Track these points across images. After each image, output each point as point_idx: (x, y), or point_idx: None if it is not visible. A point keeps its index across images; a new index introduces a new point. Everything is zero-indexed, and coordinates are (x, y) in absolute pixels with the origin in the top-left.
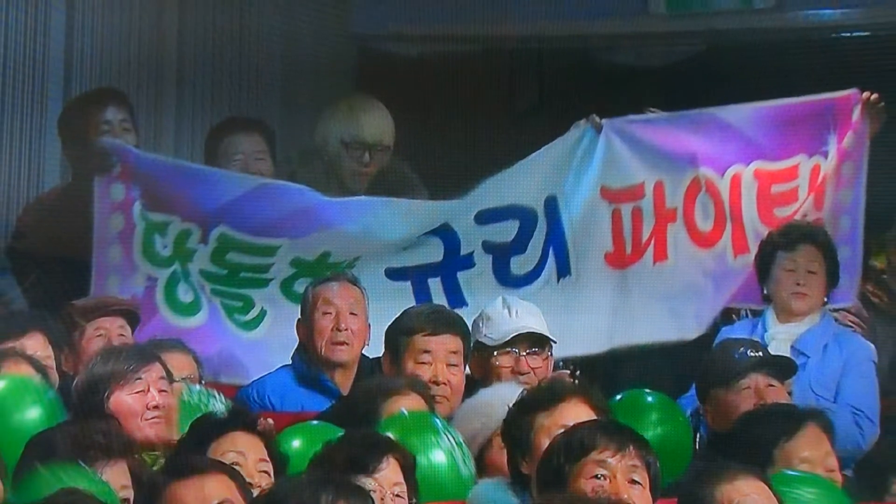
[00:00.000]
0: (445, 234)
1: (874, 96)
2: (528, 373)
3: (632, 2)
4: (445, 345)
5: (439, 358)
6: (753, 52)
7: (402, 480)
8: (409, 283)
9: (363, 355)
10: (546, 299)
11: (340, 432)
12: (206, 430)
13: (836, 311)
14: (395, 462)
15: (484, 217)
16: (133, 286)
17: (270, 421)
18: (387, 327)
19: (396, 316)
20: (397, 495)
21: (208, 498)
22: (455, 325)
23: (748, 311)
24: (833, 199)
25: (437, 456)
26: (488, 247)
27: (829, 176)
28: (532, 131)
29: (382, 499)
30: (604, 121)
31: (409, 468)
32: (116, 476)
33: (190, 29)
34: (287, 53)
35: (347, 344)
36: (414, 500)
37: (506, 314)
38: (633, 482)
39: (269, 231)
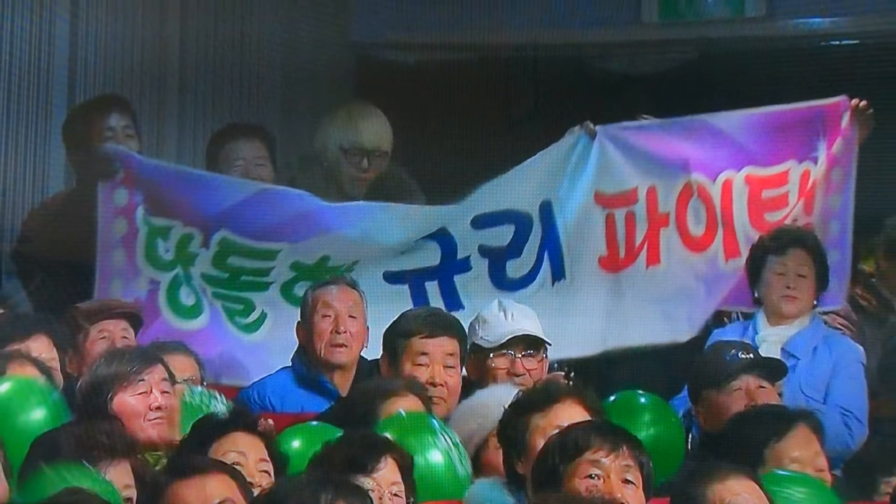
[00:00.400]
0: (442, 238)
1: (863, 103)
2: (524, 374)
3: (625, 11)
4: (442, 347)
5: (436, 360)
6: (744, 59)
7: (400, 480)
8: (406, 287)
9: (362, 357)
10: (541, 302)
11: (339, 433)
12: (207, 430)
13: (825, 313)
14: (393, 462)
15: (480, 222)
16: (136, 289)
17: (271, 422)
18: (385, 330)
19: (394, 319)
20: (395, 495)
21: (210, 497)
22: (452, 328)
23: (739, 314)
24: (823, 204)
25: (435, 456)
26: (484, 251)
27: (819, 181)
28: (527, 137)
29: (381, 498)
30: (598, 127)
31: (406, 468)
32: (120, 476)
33: (192, 37)
34: (287, 61)
35: (346, 346)
36: (411, 500)
37: (501, 317)
38: (627, 482)
39: (269, 235)
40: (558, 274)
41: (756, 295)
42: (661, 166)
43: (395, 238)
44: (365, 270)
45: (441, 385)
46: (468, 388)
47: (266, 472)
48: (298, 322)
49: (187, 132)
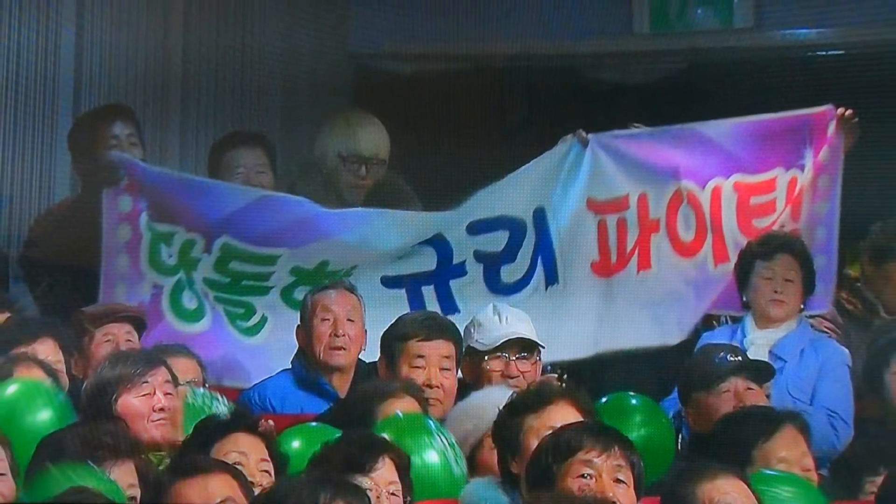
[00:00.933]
0: (438, 243)
1: (848, 112)
2: (518, 376)
3: (617, 21)
4: (438, 350)
5: (432, 362)
6: (733, 69)
7: (398, 479)
8: (403, 291)
9: (360, 360)
10: (535, 306)
11: (338, 433)
12: (209, 431)
13: (812, 317)
14: (391, 462)
15: (475, 227)
16: (140, 294)
17: (271, 422)
18: (382, 333)
19: (392, 322)
20: (392, 494)
21: (212, 496)
22: (448, 331)
23: (728, 318)
24: (809, 211)
25: (431, 456)
26: (479, 256)
27: (806, 188)
28: (521, 146)
29: (378, 497)
30: (590, 135)
31: (403, 468)
32: (124, 475)
33: (194, 48)
34: (287, 71)
35: (345, 349)
36: (408, 499)
37: (496, 320)
38: (618, 481)
39: (269, 241)
40: (551, 278)
41: (744, 299)
42: (652, 174)
43: (392, 243)
44: (363, 275)
45: (437, 387)
46: (463, 389)
47: (267, 471)
48: (298, 325)
49: (190, 140)
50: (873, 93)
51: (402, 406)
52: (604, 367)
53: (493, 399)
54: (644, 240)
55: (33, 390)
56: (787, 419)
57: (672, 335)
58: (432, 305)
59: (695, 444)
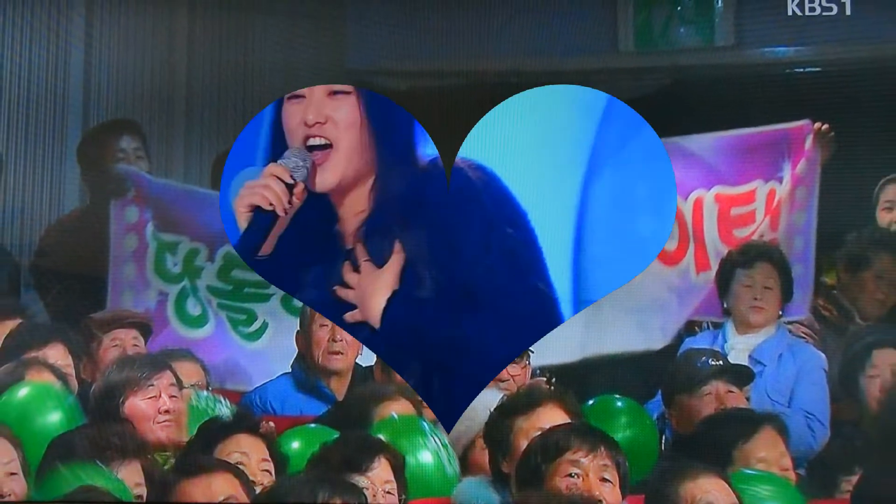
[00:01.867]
0: None
1: (825, 126)
2: (508, 380)
3: (602, 40)
4: None
5: None
6: (714, 86)
7: (393, 478)
8: None
9: (357, 364)
10: None
11: (336, 434)
12: (212, 432)
13: (790, 323)
14: (387, 462)
15: None
16: (146, 300)
17: (272, 424)
18: None
19: None
20: (388, 492)
21: (215, 495)
22: None
23: (709, 324)
24: (787, 221)
25: (425, 456)
26: None
27: (784, 199)
28: None
29: (374, 496)
30: None
31: (399, 467)
32: (131, 475)
33: (198, 65)
34: (287, 86)
35: (342, 353)
36: (403, 497)
37: None
38: (604, 480)
39: None
40: None
41: (725, 306)
42: None
43: None
44: None
45: None
46: None
47: (267, 471)
48: (297, 331)
49: (194, 153)
50: (848, 108)
51: (397, 408)
52: (590, 370)
53: (484, 401)
54: None
55: (44, 393)
56: (766, 421)
57: (656, 340)
58: None
59: (678, 444)
